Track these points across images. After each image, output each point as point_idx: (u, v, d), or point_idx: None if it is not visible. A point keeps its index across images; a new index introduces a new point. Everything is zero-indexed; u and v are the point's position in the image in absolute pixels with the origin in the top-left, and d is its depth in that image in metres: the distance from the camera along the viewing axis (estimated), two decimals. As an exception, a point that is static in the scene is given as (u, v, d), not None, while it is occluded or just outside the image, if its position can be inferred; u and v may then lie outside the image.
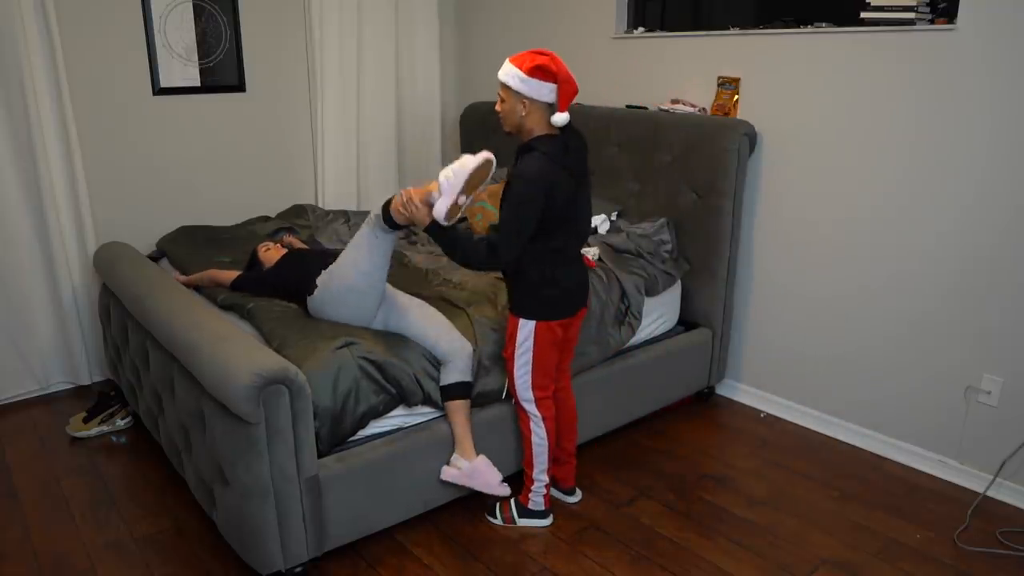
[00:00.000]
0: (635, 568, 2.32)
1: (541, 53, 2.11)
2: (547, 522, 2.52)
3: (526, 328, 2.30)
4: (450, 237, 2.17)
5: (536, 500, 2.50)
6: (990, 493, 2.71)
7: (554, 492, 2.68)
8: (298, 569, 2.20)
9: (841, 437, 3.12)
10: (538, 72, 2.08)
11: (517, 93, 2.13)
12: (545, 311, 2.29)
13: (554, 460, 2.56)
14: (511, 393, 2.43)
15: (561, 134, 2.19)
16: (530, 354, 2.32)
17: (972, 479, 2.76)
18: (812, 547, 2.42)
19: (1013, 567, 2.34)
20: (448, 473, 2.42)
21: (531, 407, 2.39)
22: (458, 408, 2.40)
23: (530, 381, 2.36)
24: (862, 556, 2.38)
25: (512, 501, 2.55)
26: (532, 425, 2.41)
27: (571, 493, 2.67)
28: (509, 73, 2.12)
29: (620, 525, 2.53)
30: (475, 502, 2.63)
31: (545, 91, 2.11)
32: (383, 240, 2.29)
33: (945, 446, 2.83)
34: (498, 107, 2.21)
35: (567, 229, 2.23)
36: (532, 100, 2.12)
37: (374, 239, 2.29)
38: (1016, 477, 2.66)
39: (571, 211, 2.21)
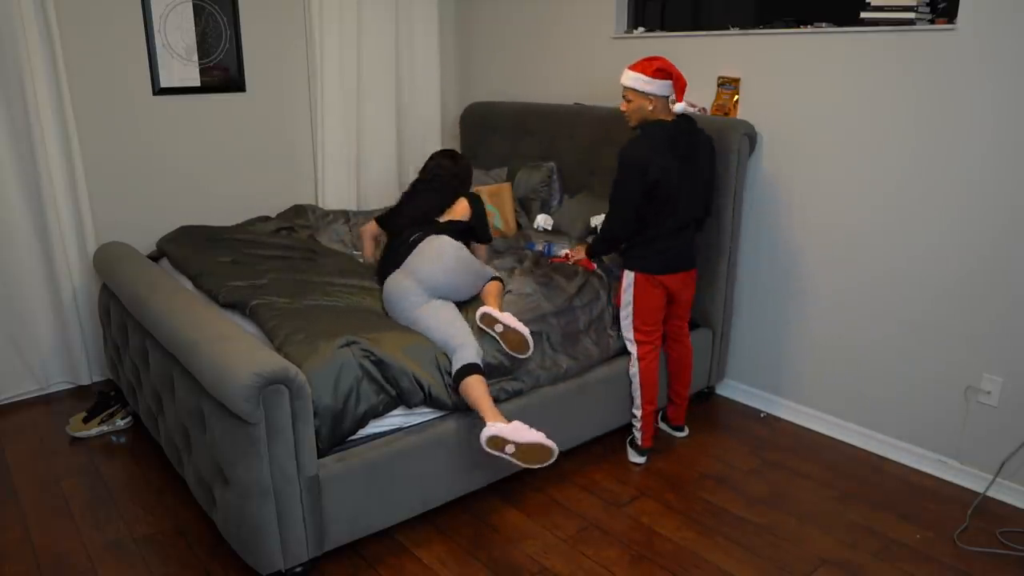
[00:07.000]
0: (635, 568, 2.32)
1: (655, 58, 2.61)
2: (640, 460, 2.90)
3: (628, 278, 2.78)
4: (594, 250, 2.90)
5: (635, 435, 2.92)
6: (990, 493, 2.71)
7: (666, 427, 3.16)
8: (298, 569, 2.20)
9: (841, 437, 3.12)
10: (660, 73, 2.59)
11: (643, 93, 2.62)
12: (640, 264, 2.74)
13: (669, 401, 3.10)
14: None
15: (671, 120, 2.64)
16: (631, 301, 2.78)
17: (972, 479, 2.76)
18: (812, 547, 2.43)
19: (1013, 567, 2.34)
20: (493, 428, 2.21)
21: (631, 346, 2.84)
22: (475, 382, 2.34)
23: (631, 323, 2.80)
24: (862, 556, 2.38)
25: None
26: (630, 361, 2.85)
27: (679, 429, 3.14)
28: (636, 78, 2.61)
29: (620, 525, 2.53)
30: (475, 502, 2.63)
31: (666, 87, 2.61)
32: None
33: (945, 446, 2.83)
34: (624, 107, 2.69)
35: (661, 202, 2.63)
36: (656, 96, 2.61)
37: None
38: (1016, 477, 2.66)
39: (664, 188, 2.60)
